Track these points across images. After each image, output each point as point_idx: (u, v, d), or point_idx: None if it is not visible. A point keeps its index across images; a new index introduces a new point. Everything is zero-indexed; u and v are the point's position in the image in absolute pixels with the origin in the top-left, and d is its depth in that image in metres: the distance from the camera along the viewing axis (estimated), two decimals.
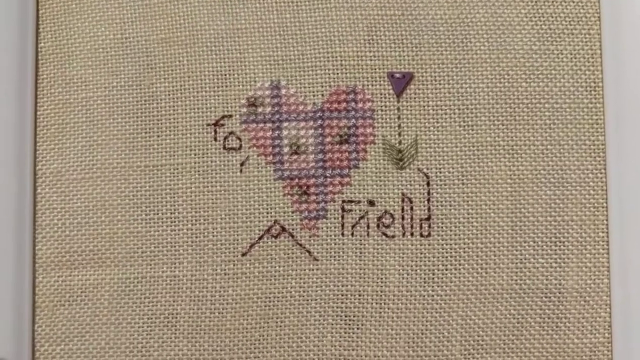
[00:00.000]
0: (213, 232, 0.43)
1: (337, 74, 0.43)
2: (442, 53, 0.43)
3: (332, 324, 0.42)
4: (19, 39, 0.44)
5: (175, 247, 0.43)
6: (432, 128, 0.43)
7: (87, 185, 0.44)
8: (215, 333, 0.42)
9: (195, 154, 0.43)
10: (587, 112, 0.42)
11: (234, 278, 0.43)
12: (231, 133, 0.43)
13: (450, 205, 0.42)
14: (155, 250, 0.43)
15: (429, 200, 0.42)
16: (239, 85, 0.44)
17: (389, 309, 0.42)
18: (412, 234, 0.42)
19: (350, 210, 0.43)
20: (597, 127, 0.42)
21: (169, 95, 0.44)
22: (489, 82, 0.43)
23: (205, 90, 0.44)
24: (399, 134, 0.43)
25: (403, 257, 0.42)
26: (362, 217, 0.43)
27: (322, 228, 0.43)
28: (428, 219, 0.42)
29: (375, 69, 0.43)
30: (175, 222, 0.43)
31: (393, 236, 0.42)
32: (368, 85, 0.43)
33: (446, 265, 0.42)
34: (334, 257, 0.43)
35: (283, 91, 0.43)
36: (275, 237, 0.43)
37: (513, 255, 0.42)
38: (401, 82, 0.43)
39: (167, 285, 0.43)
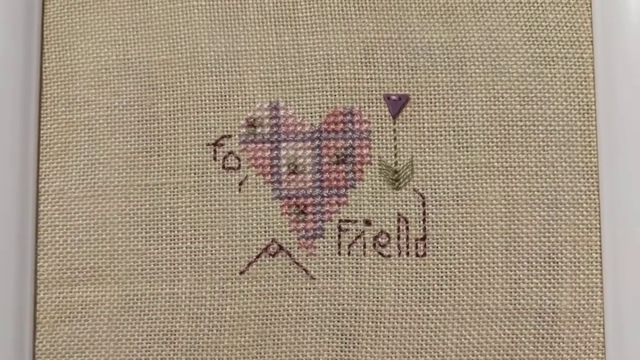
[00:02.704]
0: (211, 251, 0.43)
1: (335, 95, 0.44)
2: (438, 76, 0.44)
3: (329, 342, 0.43)
4: (24, 59, 0.45)
5: (174, 265, 0.44)
6: (427, 149, 0.43)
7: (88, 203, 0.44)
8: (213, 350, 0.43)
9: (194, 173, 0.44)
10: (580, 134, 0.43)
11: (231, 296, 0.43)
12: (230, 153, 0.44)
13: (446, 226, 0.43)
14: (155, 268, 0.44)
15: (424, 220, 0.43)
16: (238, 106, 0.44)
17: (384, 327, 0.42)
18: (407, 254, 0.43)
19: (347, 230, 0.43)
20: (590, 150, 0.43)
21: (169, 115, 0.45)
22: (483, 104, 0.43)
23: (205, 111, 0.44)
24: (395, 155, 0.43)
25: (399, 277, 0.43)
26: (358, 237, 0.43)
27: (319, 247, 0.43)
28: (423, 238, 0.43)
29: (371, 91, 0.44)
30: (174, 240, 0.44)
31: (389, 256, 0.43)
32: (365, 106, 0.44)
33: (441, 285, 0.42)
34: (331, 276, 0.43)
35: (282, 112, 0.44)
36: (273, 256, 0.43)
37: (507, 275, 0.42)
38: (397, 104, 0.44)
39: (166, 303, 0.43)
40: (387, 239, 0.43)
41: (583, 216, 0.42)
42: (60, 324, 0.44)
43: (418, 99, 0.44)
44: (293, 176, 0.44)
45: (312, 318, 0.43)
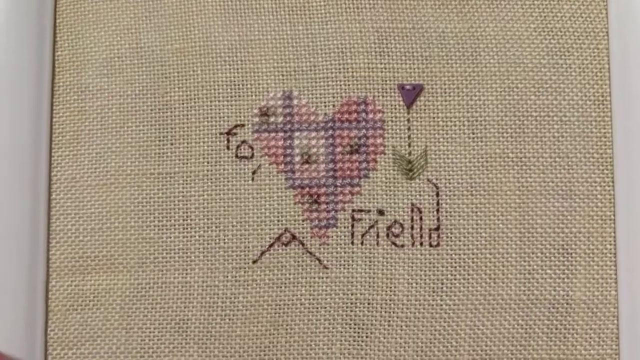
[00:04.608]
0: (224, 240, 0.43)
1: (348, 85, 0.44)
2: (452, 66, 0.44)
3: (341, 332, 0.43)
4: (36, 47, 0.45)
5: (186, 253, 0.43)
6: (441, 139, 0.43)
7: (100, 191, 0.44)
8: (225, 339, 0.43)
9: (207, 162, 0.44)
10: (595, 125, 0.43)
11: (244, 285, 0.43)
12: (243, 142, 0.44)
13: (459, 216, 0.43)
14: (167, 256, 0.44)
15: (438, 210, 0.43)
16: (251, 95, 0.44)
17: (397, 317, 0.42)
18: (421, 244, 0.43)
19: (360, 220, 0.43)
20: (605, 140, 0.43)
21: (182, 104, 0.45)
22: (498, 94, 0.43)
23: (218, 100, 0.44)
24: (409, 145, 0.43)
25: (412, 267, 0.43)
26: (371, 227, 0.43)
27: (332, 237, 0.43)
28: (437, 229, 0.43)
29: (385, 81, 0.44)
30: (187, 229, 0.44)
31: (402, 245, 0.43)
32: (379, 96, 0.44)
33: (455, 275, 0.42)
34: (344, 265, 0.43)
35: (295, 101, 0.44)
36: (286, 245, 0.43)
37: (521, 266, 0.42)
38: (411, 94, 0.44)
39: (178, 292, 0.43)
40: (400, 229, 0.43)
41: (597, 207, 0.42)
42: (72, 312, 0.44)
43: (432, 88, 0.44)
44: (306, 165, 0.44)
45: (325, 307, 0.43)
